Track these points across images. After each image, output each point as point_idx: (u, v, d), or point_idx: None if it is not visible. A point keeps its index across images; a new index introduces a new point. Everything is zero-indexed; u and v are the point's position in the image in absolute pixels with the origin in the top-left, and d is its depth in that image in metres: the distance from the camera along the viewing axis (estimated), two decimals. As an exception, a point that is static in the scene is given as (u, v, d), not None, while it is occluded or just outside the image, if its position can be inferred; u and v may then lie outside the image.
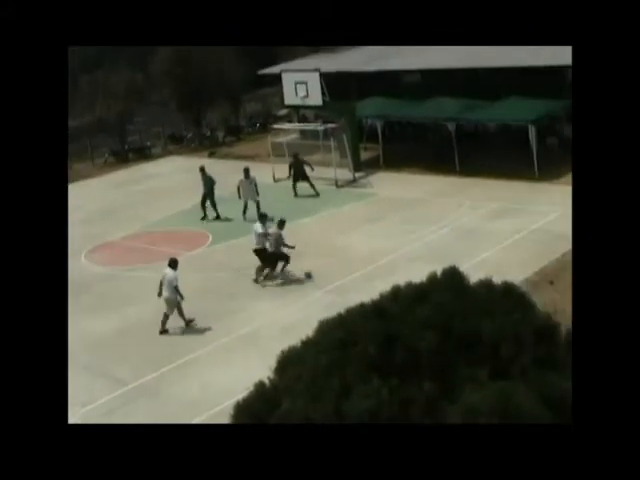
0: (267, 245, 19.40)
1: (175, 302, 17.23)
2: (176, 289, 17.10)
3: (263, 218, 20.01)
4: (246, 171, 25.51)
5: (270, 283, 19.41)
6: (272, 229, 19.59)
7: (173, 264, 17.51)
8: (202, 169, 26.43)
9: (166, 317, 17.25)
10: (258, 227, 19.59)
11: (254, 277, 19.45)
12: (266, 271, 19.53)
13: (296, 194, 26.92)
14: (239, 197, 25.37)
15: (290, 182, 27.13)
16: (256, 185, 25.28)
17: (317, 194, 26.66)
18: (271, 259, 19.47)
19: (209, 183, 25.93)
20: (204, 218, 25.63)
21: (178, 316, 17.27)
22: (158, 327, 17.41)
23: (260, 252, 19.47)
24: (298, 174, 26.99)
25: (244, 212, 24.95)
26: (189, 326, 17.37)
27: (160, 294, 17.30)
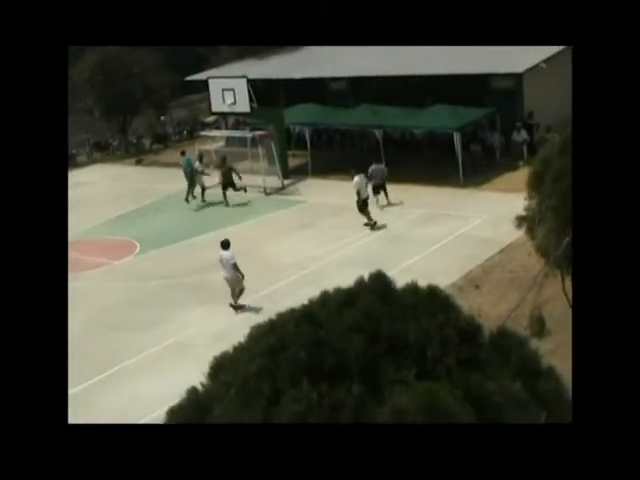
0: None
1: (238, 279, 17.58)
2: (235, 267, 17.45)
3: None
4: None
5: (201, 293, 19.34)
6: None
7: (226, 245, 17.76)
8: (183, 153, 28.09)
9: (233, 292, 17.71)
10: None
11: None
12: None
13: (227, 203, 26.87)
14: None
15: (220, 189, 27.11)
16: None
17: (226, 204, 26.85)
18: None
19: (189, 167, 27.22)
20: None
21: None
22: (84, 338, 17.21)
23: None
24: (227, 182, 26.95)
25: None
26: (237, 310, 17.70)
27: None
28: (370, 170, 24.35)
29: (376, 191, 24.40)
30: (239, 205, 26.62)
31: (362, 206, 22.77)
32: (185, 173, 27.75)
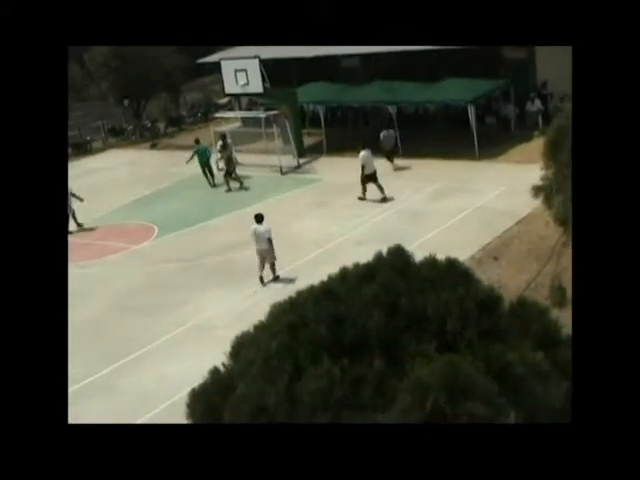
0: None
1: (272, 250, 17.97)
2: (270, 240, 17.87)
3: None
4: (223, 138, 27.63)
5: (220, 274, 19.41)
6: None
7: (260, 218, 18.17)
8: (197, 141, 27.91)
9: (262, 264, 18.11)
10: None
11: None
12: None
13: (230, 189, 26.78)
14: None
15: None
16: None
17: (212, 185, 27.22)
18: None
19: (205, 154, 27.23)
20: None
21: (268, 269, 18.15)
22: (107, 322, 17.37)
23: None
24: (230, 167, 26.89)
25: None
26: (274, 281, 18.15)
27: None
28: (381, 136, 25.80)
29: (388, 156, 25.70)
30: (256, 185, 26.63)
31: (365, 180, 23.30)
32: (201, 163, 27.47)
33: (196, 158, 27.62)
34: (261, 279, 18.20)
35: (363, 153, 23.49)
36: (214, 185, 27.37)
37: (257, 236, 18.12)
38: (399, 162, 26.29)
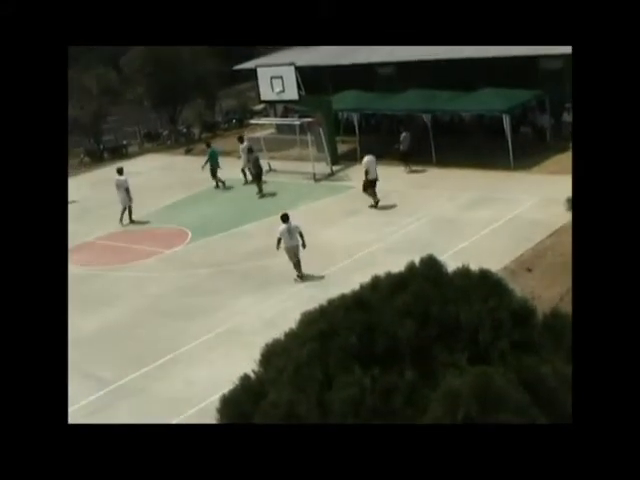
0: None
1: (297, 248, 18.74)
2: (301, 236, 18.73)
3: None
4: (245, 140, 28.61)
5: (252, 280, 19.45)
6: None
7: (286, 218, 19.00)
8: (208, 144, 29.11)
9: (296, 264, 18.80)
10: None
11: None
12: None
13: (262, 194, 26.93)
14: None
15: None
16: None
17: (217, 186, 28.29)
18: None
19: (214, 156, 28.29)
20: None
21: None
22: (139, 326, 17.48)
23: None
24: (257, 171, 27.15)
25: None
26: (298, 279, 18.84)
27: (278, 247, 18.85)
28: (401, 137, 26.73)
29: (404, 159, 26.57)
30: (288, 192, 26.68)
31: (367, 185, 23.65)
32: (211, 165, 28.62)
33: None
34: (301, 277, 18.85)
35: (366, 159, 23.96)
36: (217, 186, 28.41)
37: (291, 233, 18.71)
38: (432, 171, 26.19)
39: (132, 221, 25.96)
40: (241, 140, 29.24)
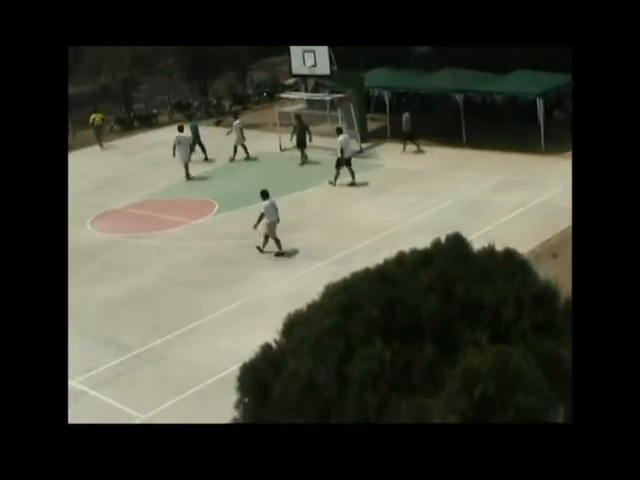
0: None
1: (276, 224, 19.20)
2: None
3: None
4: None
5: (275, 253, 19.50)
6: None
7: (266, 194, 19.60)
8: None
9: (275, 241, 19.21)
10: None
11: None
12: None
13: (306, 159, 27.31)
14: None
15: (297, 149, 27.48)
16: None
17: (206, 158, 28.56)
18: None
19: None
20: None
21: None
22: (163, 294, 17.61)
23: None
24: (300, 139, 27.29)
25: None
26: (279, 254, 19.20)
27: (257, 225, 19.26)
28: (403, 118, 27.02)
29: (409, 137, 26.98)
30: (315, 167, 26.67)
31: (340, 163, 24.45)
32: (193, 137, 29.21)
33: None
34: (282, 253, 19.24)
35: (341, 138, 24.70)
36: (206, 158, 28.87)
37: (274, 209, 19.34)
38: (462, 152, 26.04)
39: (189, 178, 27.01)
40: (235, 117, 29.95)
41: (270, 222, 19.23)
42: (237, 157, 28.75)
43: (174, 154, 27.47)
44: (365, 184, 24.47)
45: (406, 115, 27.08)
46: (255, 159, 28.55)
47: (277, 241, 19.26)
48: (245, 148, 28.69)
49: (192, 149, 27.92)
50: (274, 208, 19.36)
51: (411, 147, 27.11)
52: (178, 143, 27.42)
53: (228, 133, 29.42)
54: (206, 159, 29.00)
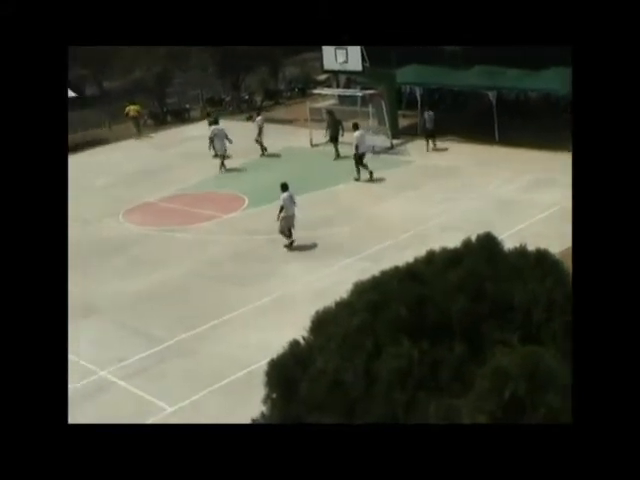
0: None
1: (294, 217, 19.59)
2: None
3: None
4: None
5: (306, 249, 19.51)
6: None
7: (285, 187, 19.82)
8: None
9: (288, 233, 19.59)
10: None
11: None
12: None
13: (339, 155, 27.39)
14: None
15: (329, 144, 27.59)
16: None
17: (338, 156, 27.70)
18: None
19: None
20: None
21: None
22: (193, 287, 17.69)
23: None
24: (333, 133, 27.38)
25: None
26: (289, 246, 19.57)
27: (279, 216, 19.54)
28: (425, 115, 27.19)
29: (430, 136, 27.06)
30: (346, 162, 26.64)
31: (357, 159, 24.71)
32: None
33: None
34: (291, 243, 19.60)
35: (356, 134, 24.87)
36: (216, 156, 28.36)
37: (292, 201, 19.56)
38: (495, 149, 25.86)
39: (225, 169, 27.55)
40: (258, 113, 30.97)
41: (287, 215, 19.50)
42: (266, 152, 28.87)
43: (210, 147, 27.76)
44: (395, 181, 24.40)
45: (429, 113, 27.16)
46: (285, 154, 28.61)
47: (290, 234, 19.60)
48: (261, 144, 28.86)
49: (229, 141, 28.03)
50: (291, 201, 19.65)
51: (436, 144, 27.18)
52: (214, 135, 27.85)
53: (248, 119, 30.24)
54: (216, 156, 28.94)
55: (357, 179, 24.77)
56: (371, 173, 24.70)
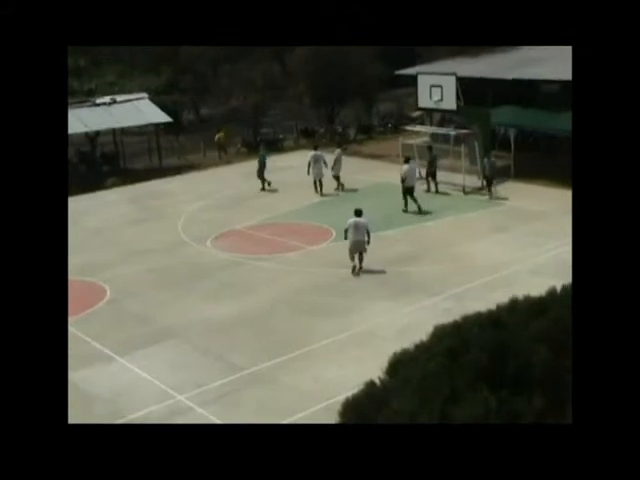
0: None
1: (362, 244, 19.85)
2: (368, 233, 19.93)
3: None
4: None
5: (389, 286, 19.45)
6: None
7: (359, 213, 20.20)
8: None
9: (361, 255, 20.00)
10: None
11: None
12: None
13: (437, 190, 27.76)
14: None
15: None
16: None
17: (436, 191, 27.90)
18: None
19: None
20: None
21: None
22: (275, 317, 17.81)
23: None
24: (432, 170, 27.73)
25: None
26: (355, 274, 19.98)
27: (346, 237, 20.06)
28: (485, 162, 27.34)
29: (488, 182, 27.08)
30: (436, 200, 26.55)
31: (405, 192, 25.37)
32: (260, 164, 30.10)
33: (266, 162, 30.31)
34: (354, 268, 20.01)
35: (405, 167, 25.51)
36: (263, 188, 29.62)
37: (357, 228, 19.75)
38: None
39: (322, 194, 28.41)
40: (339, 145, 31.55)
41: (352, 240, 19.96)
42: (354, 187, 28.94)
43: (308, 172, 28.48)
44: (485, 221, 24.17)
45: (492, 160, 27.30)
46: (376, 189, 28.68)
47: (352, 259, 20.08)
48: (337, 179, 29.15)
49: (327, 166, 28.67)
50: (355, 228, 19.92)
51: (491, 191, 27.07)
52: (314, 161, 28.48)
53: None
54: (263, 189, 29.78)
55: (405, 211, 25.34)
56: (419, 207, 25.15)
